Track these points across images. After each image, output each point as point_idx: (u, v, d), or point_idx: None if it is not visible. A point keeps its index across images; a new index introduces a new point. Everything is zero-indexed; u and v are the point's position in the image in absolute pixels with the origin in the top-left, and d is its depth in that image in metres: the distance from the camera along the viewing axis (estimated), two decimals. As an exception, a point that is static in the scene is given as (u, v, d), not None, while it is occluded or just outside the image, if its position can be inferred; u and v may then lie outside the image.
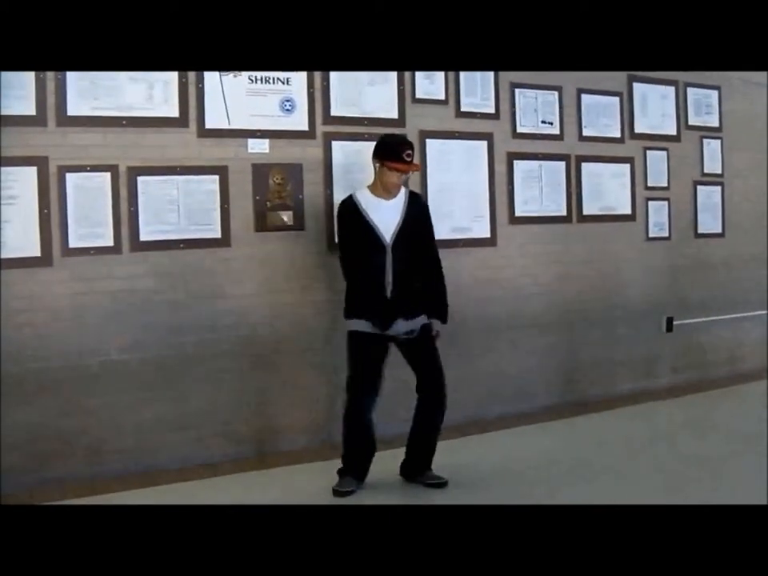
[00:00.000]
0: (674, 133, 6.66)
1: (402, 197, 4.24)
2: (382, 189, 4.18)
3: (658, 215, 6.55)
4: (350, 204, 4.22)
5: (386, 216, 4.17)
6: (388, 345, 4.24)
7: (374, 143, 4.28)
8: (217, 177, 4.76)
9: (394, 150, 4.12)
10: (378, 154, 4.18)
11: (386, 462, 4.35)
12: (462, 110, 5.55)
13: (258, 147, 4.87)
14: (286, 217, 4.92)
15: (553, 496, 3.97)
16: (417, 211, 4.26)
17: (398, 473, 4.39)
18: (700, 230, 6.84)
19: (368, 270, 4.17)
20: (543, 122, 5.93)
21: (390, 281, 4.14)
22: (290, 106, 4.97)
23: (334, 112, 5.08)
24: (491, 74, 5.64)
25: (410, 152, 4.14)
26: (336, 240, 4.64)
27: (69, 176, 4.40)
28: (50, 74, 4.32)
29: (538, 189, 5.92)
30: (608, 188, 6.27)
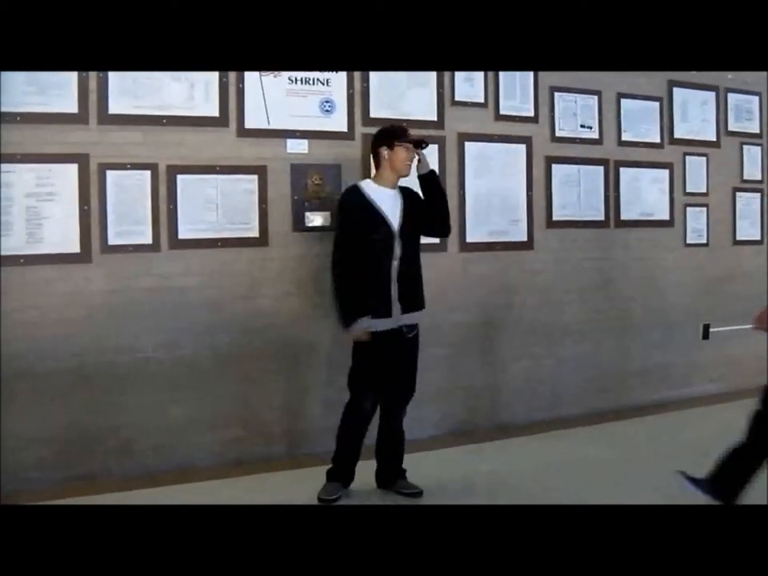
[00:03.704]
0: (714, 138, 6.59)
1: (396, 188, 4.20)
2: (392, 173, 4.13)
3: (696, 221, 6.48)
4: (355, 191, 4.17)
5: (390, 204, 4.13)
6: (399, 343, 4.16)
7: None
8: (255, 176, 4.77)
9: (401, 130, 4.14)
10: (384, 140, 4.14)
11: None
12: (500, 113, 5.53)
13: (297, 147, 4.88)
14: (324, 218, 4.92)
15: (573, 498, 3.97)
16: (412, 200, 4.21)
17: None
18: (738, 237, 6.77)
19: (375, 260, 4.09)
20: (582, 126, 5.89)
21: (397, 269, 4.09)
22: (329, 107, 4.97)
23: (373, 113, 5.08)
24: (530, 77, 5.62)
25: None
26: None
27: (109, 173, 4.44)
28: (92, 73, 4.36)
29: (576, 193, 5.88)
30: (646, 193, 6.22)
